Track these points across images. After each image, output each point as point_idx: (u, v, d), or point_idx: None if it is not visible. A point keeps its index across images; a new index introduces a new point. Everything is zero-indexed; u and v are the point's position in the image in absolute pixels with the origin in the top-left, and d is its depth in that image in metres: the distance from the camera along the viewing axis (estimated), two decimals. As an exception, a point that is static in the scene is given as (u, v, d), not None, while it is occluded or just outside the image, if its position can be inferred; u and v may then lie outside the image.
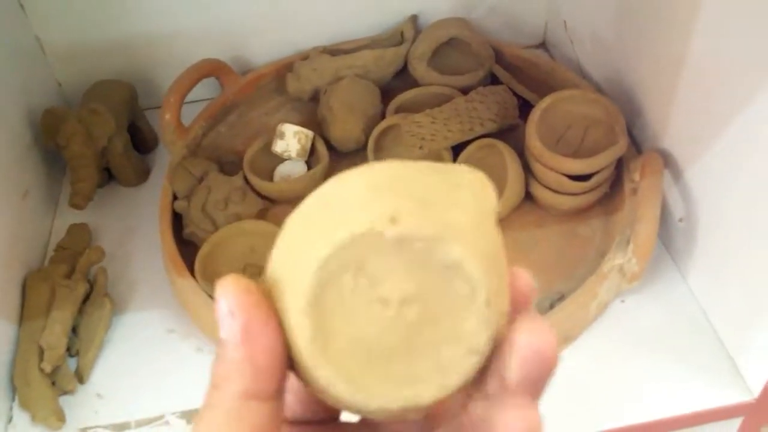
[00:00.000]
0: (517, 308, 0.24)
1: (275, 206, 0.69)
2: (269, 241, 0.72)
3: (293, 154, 0.69)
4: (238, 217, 0.65)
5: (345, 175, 0.23)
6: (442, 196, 0.23)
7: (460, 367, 0.22)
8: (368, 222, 0.21)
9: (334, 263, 0.21)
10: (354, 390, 0.22)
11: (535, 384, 0.22)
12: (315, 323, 0.21)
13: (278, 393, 0.23)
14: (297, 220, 0.24)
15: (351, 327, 0.22)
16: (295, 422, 0.27)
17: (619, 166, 0.64)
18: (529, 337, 0.22)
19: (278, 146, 0.69)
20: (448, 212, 0.22)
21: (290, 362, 0.23)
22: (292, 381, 0.25)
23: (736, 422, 0.57)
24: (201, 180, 0.67)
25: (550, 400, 0.57)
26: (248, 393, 0.22)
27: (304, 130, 0.69)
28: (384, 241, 0.21)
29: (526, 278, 0.24)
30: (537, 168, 0.62)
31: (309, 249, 0.22)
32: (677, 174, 0.61)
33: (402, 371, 0.22)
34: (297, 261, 0.22)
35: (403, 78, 0.78)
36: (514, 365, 0.22)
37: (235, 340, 0.22)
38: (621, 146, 0.61)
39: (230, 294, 0.22)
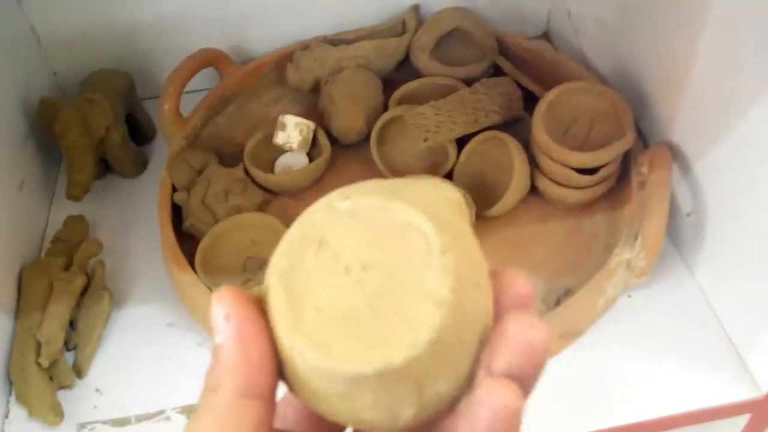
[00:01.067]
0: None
1: (276, 198, 0.68)
2: (270, 233, 0.72)
3: (295, 145, 0.68)
4: (239, 210, 0.64)
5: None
6: (398, 185, 0.24)
7: (429, 320, 0.21)
8: (324, 202, 0.24)
9: (296, 241, 0.23)
10: (327, 357, 0.22)
11: (522, 378, 0.22)
12: (287, 298, 0.23)
13: (271, 392, 0.24)
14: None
15: (320, 299, 0.22)
16: None
17: (626, 160, 0.64)
18: (519, 327, 0.22)
19: (279, 138, 0.68)
20: (400, 192, 0.24)
21: (281, 373, 0.24)
22: (291, 405, 0.27)
23: (744, 419, 0.57)
24: (200, 172, 0.66)
25: (555, 395, 0.57)
26: (243, 391, 0.23)
27: (306, 122, 0.68)
28: (339, 214, 0.23)
29: (522, 283, 0.24)
30: (543, 161, 0.62)
31: (279, 244, 0.24)
32: (686, 168, 0.60)
33: (373, 334, 0.22)
34: (272, 261, 0.24)
35: (405, 69, 0.77)
36: (503, 353, 0.22)
37: (230, 342, 0.23)
38: (628, 139, 0.60)
39: (226, 301, 0.24)
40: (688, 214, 0.60)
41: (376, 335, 0.22)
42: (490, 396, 0.21)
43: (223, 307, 0.23)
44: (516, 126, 0.68)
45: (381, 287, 0.22)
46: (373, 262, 0.22)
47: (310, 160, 0.69)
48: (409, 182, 0.25)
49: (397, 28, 0.79)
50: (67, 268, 0.62)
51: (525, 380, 0.22)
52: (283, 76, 0.76)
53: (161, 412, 0.55)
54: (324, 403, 0.23)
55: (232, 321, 0.23)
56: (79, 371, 0.57)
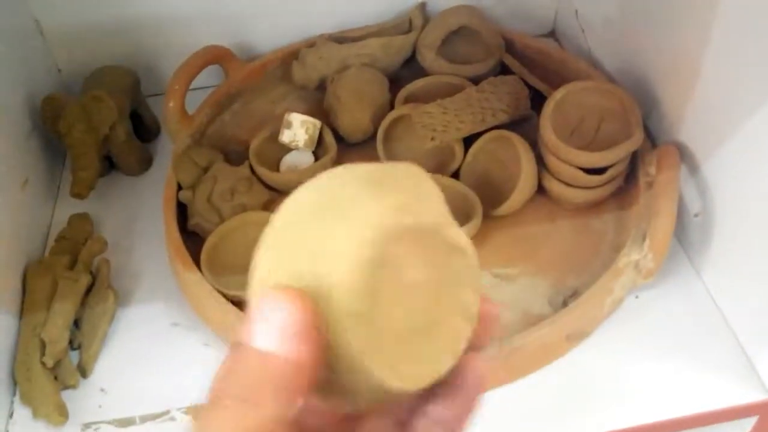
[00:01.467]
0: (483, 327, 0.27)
1: (282, 197, 0.67)
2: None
3: (301, 144, 0.68)
4: (245, 208, 0.63)
5: (320, 179, 0.25)
6: (386, 177, 0.24)
7: (463, 334, 0.25)
8: (385, 217, 0.22)
9: (372, 262, 0.22)
10: (395, 378, 0.23)
11: (482, 345, 0.27)
12: (368, 324, 0.22)
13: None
14: (293, 227, 0.24)
15: (390, 320, 0.23)
16: None
17: (634, 159, 0.63)
18: (485, 308, 0.26)
19: (285, 136, 0.68)
20: (431, 202, 0.25)
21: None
22: None
23: (751, 421, 0.57)
24: (206, 170, 0.65)
25: (562, 396, 0.56)
26: (285, 418, 0.21)
27: (312, 120, 0.68)
28: (401, 232, 0.23)
29: (494, 308, 0.27)
30: (551, 161, 0.61)
31: (337, 254, 0.22)
32: (694, 168, 0.59)
33: (426, 350, 0.24)
34: (325, 268, 0.22)
35: (411, 67, 0.77)
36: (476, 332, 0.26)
37: (294, 362, 0.21)
38: (636, 139, 0.60)
39: (299, 312, 0.21)
40: (696, 215, 0.60)
41: (428, 351, 0.24)
42: (474, 366, 0.25)
43: (296, 317, 0.21)
44: (523, 125, 0.68)
45: (431, 304, 0.24)
46: (428, 281, 0.24)
47: (316, 158, 0.69)
48: (392, 171, 0.25)
49: (404, 25, 0.78)
50: (71, 266, 0.61)
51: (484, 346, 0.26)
52: (289, 73, 0.76)
53: (166, 412, 0.54)
54: (354, 402, 0.24)
55: (302, 338, 0.21)
56: (83, 371, 0.57)
